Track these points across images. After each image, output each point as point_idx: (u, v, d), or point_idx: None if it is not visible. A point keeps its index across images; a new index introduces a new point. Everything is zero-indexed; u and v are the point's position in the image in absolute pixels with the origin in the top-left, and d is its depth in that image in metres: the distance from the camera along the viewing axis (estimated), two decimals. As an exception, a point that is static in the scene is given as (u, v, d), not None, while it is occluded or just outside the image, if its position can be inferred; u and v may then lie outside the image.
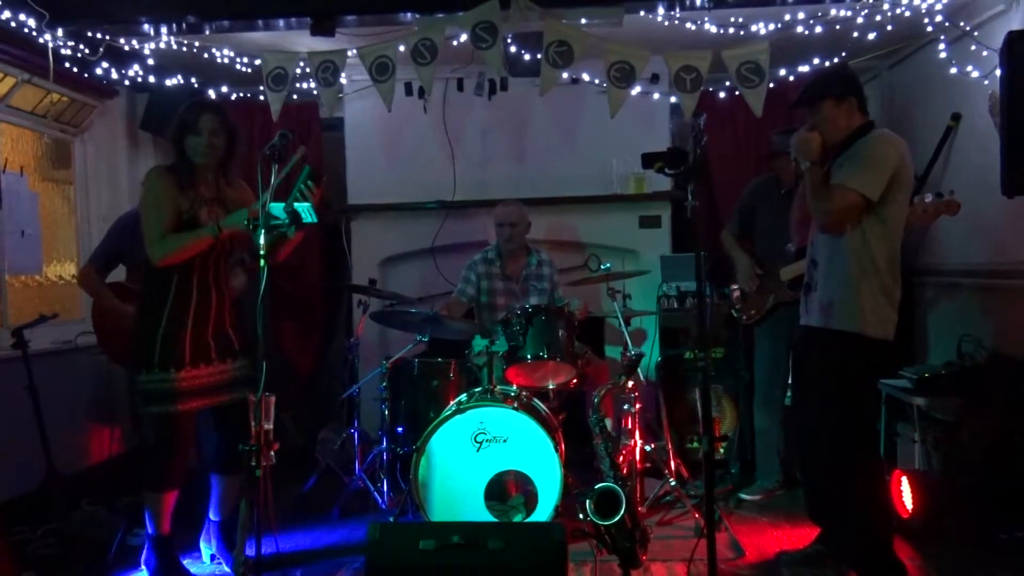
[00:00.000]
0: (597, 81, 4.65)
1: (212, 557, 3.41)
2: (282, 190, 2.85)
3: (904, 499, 3.60)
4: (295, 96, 4.99)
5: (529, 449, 3.43)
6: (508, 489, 3.41)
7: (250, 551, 2.78)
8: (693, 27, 4.03)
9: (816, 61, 4.43)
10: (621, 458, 3.70)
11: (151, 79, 4.64)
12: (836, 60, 4.45)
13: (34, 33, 3.89)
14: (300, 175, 2.87)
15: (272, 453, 2.75)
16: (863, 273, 2.87)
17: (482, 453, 3.44)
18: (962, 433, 3.67)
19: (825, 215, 2.91)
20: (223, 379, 3.18)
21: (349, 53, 4.01)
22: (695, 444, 4.53)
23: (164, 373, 3.05)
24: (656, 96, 4.78)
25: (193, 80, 4.86)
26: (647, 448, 3.91)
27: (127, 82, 4.73)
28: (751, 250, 4.19)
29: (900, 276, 2.94)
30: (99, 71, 4.40)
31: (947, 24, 4.04)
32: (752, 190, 4.32)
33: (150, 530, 3.17)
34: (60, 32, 3.97)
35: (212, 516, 3.38)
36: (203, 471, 3.37)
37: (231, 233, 3.09)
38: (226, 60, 4.48)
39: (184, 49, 4.34)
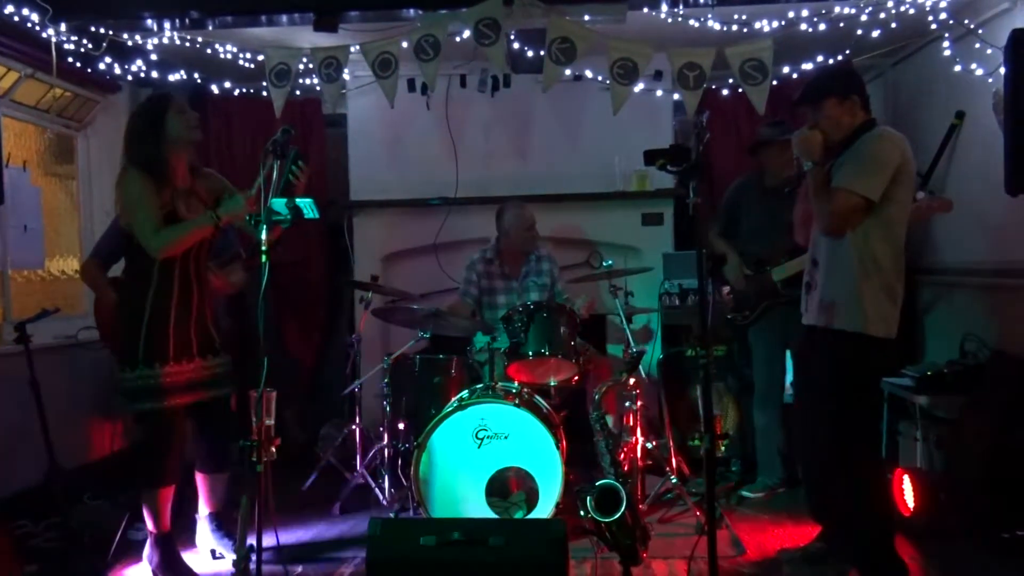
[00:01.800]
0: (600, 78, 4.63)
1: (212, 552, 3.42)
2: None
3: (906, 498, 3.60)
4: (298, 92, 4.99)
5: (530, 446, 3.43)
6: (509, 486, 3.41)
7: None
8: (696, 24, 4.02)
9: (820, 59, 4.42)
10: (622, 455, 3.70)
11: (154, 74, 4.64)
12: (840, 58, 4.44)
13: (37, 28, 3.89)
14: (288, 157, 2.85)
15: (273, 449, 2.75)
16: (866, 273, 2.87)
17: (483, 450, 3.44)
18: (964, 432, 3.66)
19: (827, 217, 2.91)
20: (205, 375, 3.19)
21: (352, 49, 4.01)
22: (696, 442, 4.50)
23: (149, 369, 3.05)
24: (659, 93, 4.77)
25: (196, 75, 4.86)
26: (648, 445, 3.91)
27: (130, 77, 4.72)
28: (737, 250, 4.18)
29: (904, 274, 2.94)
30: (102, 66, 4.41)
31: (951, 22, 4.03)
32: (734, 192, 4.31)
33: (151, 527, 3.18)
34: (63, 27, 3.98)
35: (203, 511, 3.40)
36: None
37: (228, 220, 3.09)
38: (229, 56, 4.47)
39: (187, 44, 4.34)
